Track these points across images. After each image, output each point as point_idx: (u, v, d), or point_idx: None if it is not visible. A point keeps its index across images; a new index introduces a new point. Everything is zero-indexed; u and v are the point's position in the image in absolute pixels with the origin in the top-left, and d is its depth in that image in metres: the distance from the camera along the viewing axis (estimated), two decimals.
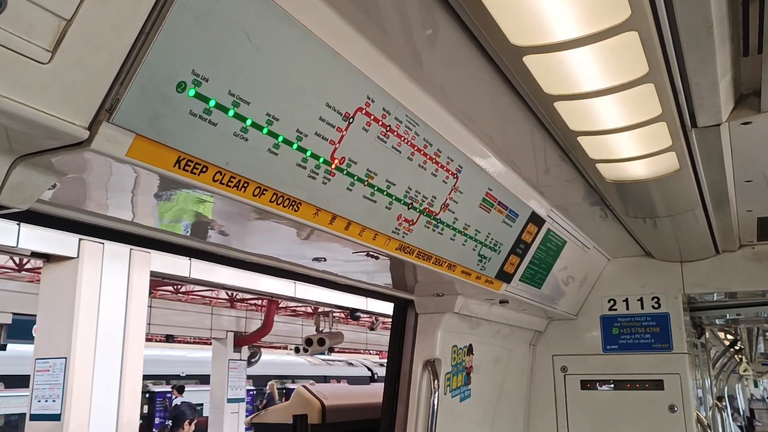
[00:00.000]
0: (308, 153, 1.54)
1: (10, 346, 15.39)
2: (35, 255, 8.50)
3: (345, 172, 1.69)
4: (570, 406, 4.20)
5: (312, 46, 1.41)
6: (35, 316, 9.10)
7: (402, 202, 1.98)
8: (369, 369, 28.17)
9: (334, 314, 17.54)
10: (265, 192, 1.50)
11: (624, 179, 2.55)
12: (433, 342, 3.18)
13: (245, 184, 1.44)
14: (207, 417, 18.68)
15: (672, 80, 1.73)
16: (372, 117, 1.68)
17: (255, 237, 2.15)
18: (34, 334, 9.04)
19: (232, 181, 1.40)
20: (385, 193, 1.88)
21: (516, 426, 4.19)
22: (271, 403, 21.39)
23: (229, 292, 18.87)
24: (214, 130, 1.29)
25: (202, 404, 21.17)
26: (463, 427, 3.48)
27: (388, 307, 3.51)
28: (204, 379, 20.21)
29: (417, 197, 2.03)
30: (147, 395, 20.42)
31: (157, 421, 20.69)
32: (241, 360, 18.65)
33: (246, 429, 17.78)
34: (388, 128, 1.75)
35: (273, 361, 25.73)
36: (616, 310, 4.21)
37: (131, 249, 9.09)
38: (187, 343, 24.75)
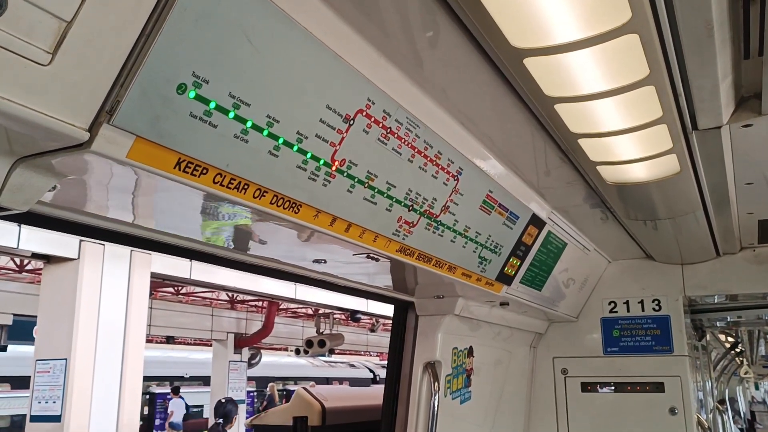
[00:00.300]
0: (309, 155, 1.54)
1: (14, 347, 15.40)
2: (36, 256, 8.51)
3: (345, 174, 1.69)
4: (570, 408, 4.19)
5: (312, 48, 1.41)
6: (36, 317, 9.10)
7: (402, 204, 1.98)
8: (371, 371, 28.18)
9: (335, 316, 17.54)
10: (265, 194, 1.50)
11: (625, 181, 2.55)
12: (434, 344, 3.17)
13: (246, 186, 1.44)
14: (207, 419, 18.68)
15: (673, 83, 1.73)
16: (372, 119, 1.68)
17: (256, 238, 2.15)
18: (34, 335, 9.05)
19: (232, 183, 1.40)
20: (385, 195, 1.88)
21: (516, 428, 4.18)
22: (271, 405, 21.38)
23: (230, 294, 18.88)
24: (214, 131, 1.29)
25: (202, 405, 21.18)
26: (463, 429, 3.47)
27: (388, 309, 3.51)
28: (207, 381, 20.20)
29: (417, 199, 2.03)
30: (147, 396, 20.43)
31: (157, 422, 20.68)
32: (241, 361, 18.65)
33: (246, 431, 17.77)
34: (388, 130, 1.75)
35: (275, 362, 25.77)
36: (616, 312, 4.20)
37: (132, 250, 9.09)
38: (188, 344, 24.77)
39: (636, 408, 4.01)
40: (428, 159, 1.98)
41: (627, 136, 2.07)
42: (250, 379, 23.39)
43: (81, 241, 8.42)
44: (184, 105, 1.20)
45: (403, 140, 1.82)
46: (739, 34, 1.68)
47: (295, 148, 1.50)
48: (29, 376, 8.68)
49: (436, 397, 3.03)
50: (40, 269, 10.99)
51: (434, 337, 3.18)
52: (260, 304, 19.55)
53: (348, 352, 30.68)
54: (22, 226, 7.31)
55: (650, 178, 2.49)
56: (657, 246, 3.81)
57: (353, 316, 15.63)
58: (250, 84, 1.31)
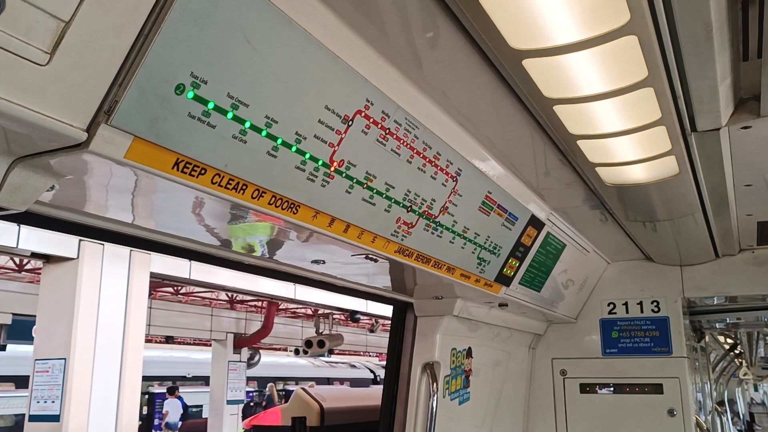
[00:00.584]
0: (307, 155, 1.54)
1: (19, 347, 15.37)
2: (35, 256, 8.51)
3: (344, 174, 1.69)
4: (569, 409, 4.19)
5: (311, 49, 1.41)
6: (35, 316, 9.10)
7: (401, 204, 1.98)
8: (371, 371, 28.22)
9: (334, 316, 17.53)
10: (263, 194, 1.50)
11: (624, 183, 2.55)
12: (433, 345, 3.17)
13: (244, 187, 1.44)
14: (206, 419, 18.67)
15: (671, 84, 1.73)
16: (371, 120, 1.68)
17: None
18: (33, 335, 9.04)
19: (230, 184, 1.40)
20: (384, 195, 1.88)
21: (515, 429, 4.18)
22: (270, 405, 21.38)
23: (229, 294, 18.87)
24: (212, 132, 1.29)
25: (201, 405, 21.17)
26: (462, 430, 3.47)
27: (388, 310, 3.51)
28: (209, 381, 20.19)
29: (416, 200, 2.03)
30: (146, 396, 20.41)
31: (156, 422, 20.66)
32: (240, 361, 18.63)
33: (245, 431, 17.76)
34: (387, 131, 1.75)
35: (277, 362, 25.79)
36: (615, 313, 4.20)
37: (131, 250, 9.09)
38: (189, 344, 24.77)
39: (635, 409, 4.01)
40: (427, 160, 1.98)
41: (626, 137, 2.07)
42: (251, 379, 23.42)
43: (80, 240, 8.42)
44: (182, 105, 1.20)
45: (402, 141, 1.82)
46: (737, 36, 1.68)
47: (294, 148, 1.50)
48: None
49: (435, 397, 3.03)
50: (40, 269, 10.99)
51: (433, 337, 3.18)
52: (259, 304, 19.54)
53: (347, 352, 30.68)
54: (22, 225, 7.31)
55: (649, 180, 2.49)
56: (656, 247, 3.81)
57: (353, 316, 15.63)
58: (248, 84, 1.31)
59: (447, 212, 2.23)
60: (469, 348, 3.50)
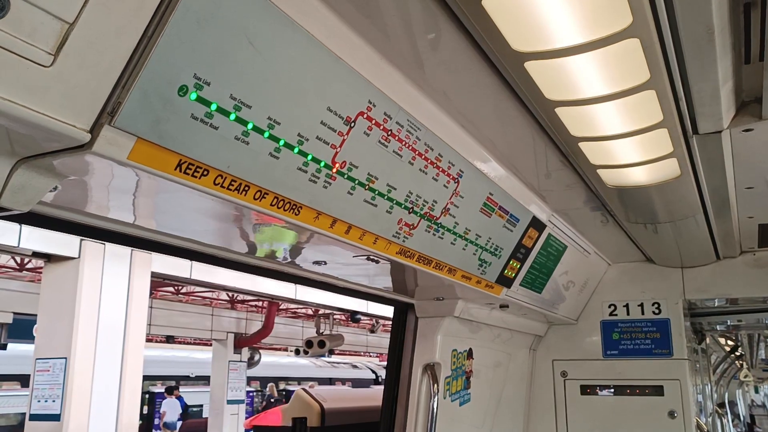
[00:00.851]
0: (309, 157, 1.55)
1: (23, 347, 15.38)
2: (36, 255, 8.52)
3: (346, 176, 1.69)
4: (570, 411, 4.19)
5: (313, 50, 1.41)
6: (36, 315, 9.11)
7: (403, 206, 1.98)
8: (373, 371, 28.27)
9: (335, 316, 17.54)
10: (266, 196, 1.50)
11: (625, 185, 2.55)
12: (433, 346, 3.17)
13: (246, 188, 1.44)
14: (206, 418, 18.68)
15: (673, 87, 1.73)
16: (373, 121, 1.68)
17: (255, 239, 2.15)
18: (34, 334, 9.05)
19: (233, 185, 1.41)
20: (385, 197, 1.88)
21: (515, 430, 4.18)
22: (270, 405, 21.38)
23: (230, 294, 18.88)
24: (215, 133, 1.29)
25: (202, 405, 21.17)
26: (462, 431, 3.47)
27: (388, 310, 3.51)
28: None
29: (418, 201, 2.03)
30: (147, 396, 20.43)
31: (156, 421, 20.67)
32: (241, 361, 18.64)
33: (245, 431, 17.77)
34: (389, 132, 1.75)
35: (280, 362, 25.82)
36: (616, 315, 4.20)
37: (132, 250, 9.10)
38: (192, 344, 24.79)
39: (635, 411, 4.01)
40: (429, 161, 1.98)
41: (628, 139, 2.07)
42: (254, 379, 23.46)
43: (81, 240, 8.43)
44: (185, 107, 1.21)
45: (403, 143, 1.83)
46: (739, 38, 1.68)
47: (296, 150, 1.50)
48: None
49: (436, 398, 3.03)
50: (41, 268, 11.00)
51: (434, 338, 3.18)
52: (260, 304, 19.55)
53: (347, 352, 30.69)
54: (23, 225, 7.31)
55: (651, 182, 2.49)
56: (657, 249, 3.81)
57: (353, 316, 15.63)
58: (251, 86, 1.32)
59: (448, 214, 2.23)
60: (470, 349, 3.50)
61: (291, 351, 24.36)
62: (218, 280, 11.97)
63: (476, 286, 2.75)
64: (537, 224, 2.90)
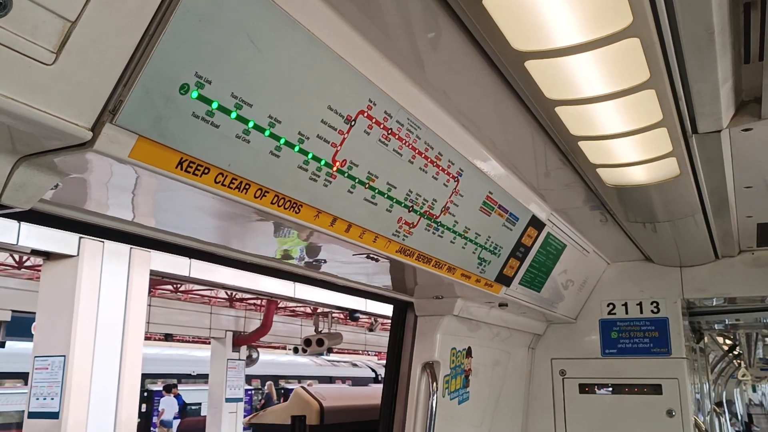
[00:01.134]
0: (310, 155, 1.55)
1: (25, 344, 15.36)
2: (35, 253, 8.51)
3: (346, 174, 1.69)
4: (568, 409, 4.20)
5: (314, 49, 1.42)
6: (34, 313, 9.10)
7: (403, 204, 1.98)
8: (373, 370, 28.34)
9: (333, 315, 17.54)
10: (266, 194, 1.50)
11: (624, 184, 2.56)
12: (432, 344, 3.18)
13: (247, 186, 1.44)
14: (205, 416, 18.68)
15: (673, 86, 1.73)
16: (374, 120, 1.68)
17: (255, 238, 2.16)
18: (33, 332, 9.04)
19: (233, 183, 1.41)
20: (386, 195, 1.89)
21: (514, 429, 4.19)
22: (269, 403, 21.40)
23: (229, 292, 18.87)
24: (216, 132, 1.30)
25: (200, 403, 21.17)
26: (461, 429, 3.48)
27: (387, 309, 3.52)
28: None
29: (418, 200, 2.04)
30: (145, 393, 20.42)
31: (155, 419, 20.68)
32: (239, 360, 18.63)
33: (244, 429, 17.76)
34: (389, 131, 1.76)
35: (280, 361, 25.86)
36: (615, 314, 4.21)
37: (131, 248, 9.09)
38: (193, 342, 24.80)
39: (634, 410, 4.02)
40: (429, 160, 1.98)
41: (627, 139, 2.08)
42: (254, 377, 23.47)
43: (80, 238, 8.42)
44: (186, 105, 1.21)
45: (403, 141, 1.83)
46: (739, 38, 1.68)
47: (297, 148, 1.50)
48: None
49: (435, 397, 3.04)
50: (39, 266, 10.99)
51: (433, 337, 3.19)
52: (259, 302, 19.55)
53: (346, 351, 30.71)
54: (22, 222, 7.31)
55: (650, 181, 2.50)
56: (656, 248, 3.82)
57: (352, 315, 15.63)
58: (252, 84, 1.32)
59: (448, 212, 2.23)
60: (469, 348, 3.50)
61: (289, 349, 24.39)
62: (217, 279, 11.96)
63: (475, 284, 2.75)
64: (536, 223, 2.91)
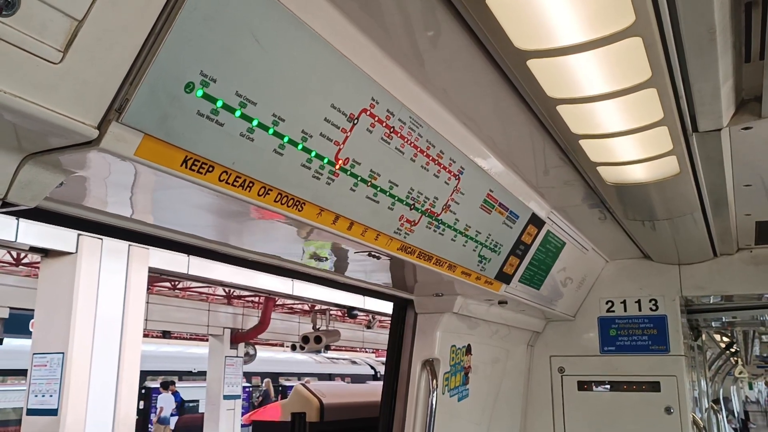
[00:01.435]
0: (313, 153, 1.55)
1: (22, 342, 15.33)
2: (34, 250, 8.49)
3: (349, 172, 1.70)
4: (567, 406, 4.22)
5: (318, 48, 1.42)
6: (32, 310, 9.09)
7: (404, 202, 1.99)
8: (372, 367, 28.43)
9: (331, 312, 17.55)
10: (269, 192, 1.51)
11: (624, 182, 2.57)
12: (432, 342, 3.19)
13: (250, 184, 1.45)
14: (203, 413, 18.68)
15: (674, 85, 1.74)
16: (376, 118, 1.69)
17: (256, 235, 2.17)
18: (31, 329, 9.04)
19: (237, 181, 1.41)
20: (387, 193, 1.89)
21: (513, 426, 4.20)
22: (266, 400, 21.41)
23: (227, 289, 18.87)
24: (220, 130, 1.30)
25: (198, 400, 21.18)
26: (461, 426, 3.49)
27: (385, 306, 3.53)
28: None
29: (419, 198, 2.05)
30: (143, 391, 20.42)
31: (153, 417, 20.67)
32: (237, 357, 18.63)
33: (242, 426, 17.78)
34: (391, 129, 1.76)
35: (280, 358, 25.89)
36: (613, 311, 4.22)
37: (129, 245, 9.08)
38: (195, 339, 24.81)
39: (632, 407, 4.03)
40: (430, 158, 1.99)
41: (628, 137, 2.08)
42: (254, 374, 23.48)
43: (79, 235, 8.41)
44: (191, 103, 1.21)
45: (405, 139, 1.84)
46: (740, 37, 1.69)
47: (300, 146, 1.51)
48: None
49: (435, 394, 3.05)
50: (37, 263, 10.97)
51: (433, 334, 3.20)
52: (257, 299, 19.54)
53: (343, 348, 30.75)
54: (21, 219, 7.30)
55: (650, 179, 2.51)
56: (655, 246, 3.83)
57: (350, 312, 15.65)
58: (256, 83, 1.32)
59: (449, 210, 2.24)
60: (469, 345, 3.51)
61: (287, 347, 24.41)
62: (215, 276, 11.96)
63: (476, 282, 2.76)
64: (536, 221, 2.92)
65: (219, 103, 1.27)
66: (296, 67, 1.39)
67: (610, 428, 4.09)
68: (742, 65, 1.84)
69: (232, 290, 19.05)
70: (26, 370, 8.64)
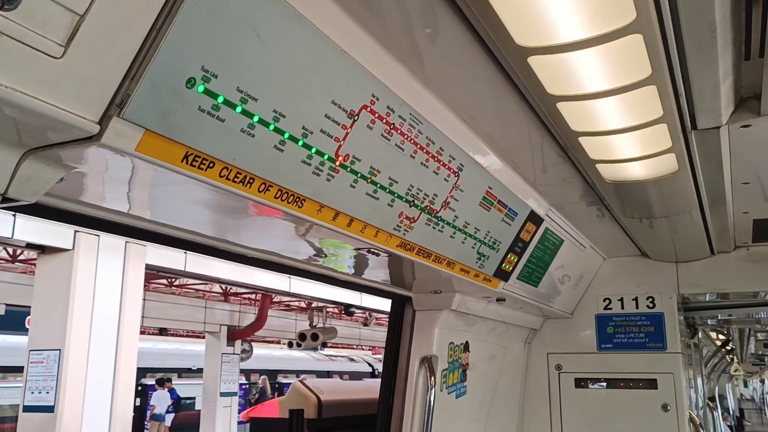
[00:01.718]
0: (313, 150, 1.55)
1: (17, 338, 15.32)
2: (30, 246, 8.48)
3: (349, 169, 1.70)
4: (564, 403, 4.23)
5: (319, 44, 1.42)
6: (28, 307, 9.08)
7: (404, 199, 1.99)
8: (370, 365, 28.51)
9: (328, 309, 17.56)
10: (270, 188, 1.51)
11: (623, 179, 2.57)
12: (430, 339, 3.19)
13: (251, 180, 1.45)
14: (199, 410, 18.68)
15: (674, 82, 1.74)
16: (376, 115, 1.69)
17: (256, 231, 2.16)
18: (27, 326, 9.03)
19: (238, 177, 1.41)
20: (387, 190, 1.89)
21: (510, 423, 4.21)
22: (263, 398, 21.42)
23: (223, 286, 18.85)
24: (221, 126, 1.30)
25: (194, 397, 21.19)
26: (458, 423, 3.50)
27: (381, 303, 3.53)
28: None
29: (419, 195, 2.05)
30: (139, 388, 20.41)
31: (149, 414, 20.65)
32: (234, 354, 18.63)
33: (239, 423, 17.79)
34: (392, 126, 1.76)
35: (279, 356, 25.95)
36: (611, 309, 4.23)
37: (127, 242, 9.08)
38: (180, 336, 24.81)
39: (629, 404, 4.05)
40: (430, 155, 1.99)
41: (627, 134, 2.09)
42: (253, 371, 23.51)
43: (76, 231, 8.40)
44: (192, 99, 1.21)
45: (405, 136, 1.84)
46: (740, 35, 1.69)
47: (300, 143, 1.51)
48: None
49: (432, 391, 3.05)
50: (33, 259, 10.95)
51: (431, 331, 3.20)
52: (253, 296, 19.54)
53: (341, 345, 30.77)
54: (17, 216, 7.28)
55: (648, 177, 2.51)
56: (652, 244, 3.84)
57: (347, 309, 15.66)
58: (258, 79, 1.32)
59: (448, 207, 2.24)
60: (467, 342, 3.52)
61: (284, 344, 24.43)
62: (213, 273, 11.96)
63: (474, 279, 2.76)
64: (535, 218, 2.92)
65: (220, 99, 1.26)
66: (297, 63, 1.39)
67: (607, 425, 4.10)
68: (741, 63, 1.84)
69: (228, 287, 19.03)
70: (22, 366, 8.62)
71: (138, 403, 19.94)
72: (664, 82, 1.71)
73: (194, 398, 21.50)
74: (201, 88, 1.22)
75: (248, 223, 2.02)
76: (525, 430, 4.31)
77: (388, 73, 1.66)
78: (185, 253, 10.44)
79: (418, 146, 1.91)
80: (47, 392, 8.26)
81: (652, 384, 4.01)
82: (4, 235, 7.58)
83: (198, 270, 11.45)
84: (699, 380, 6.38)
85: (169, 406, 19.60)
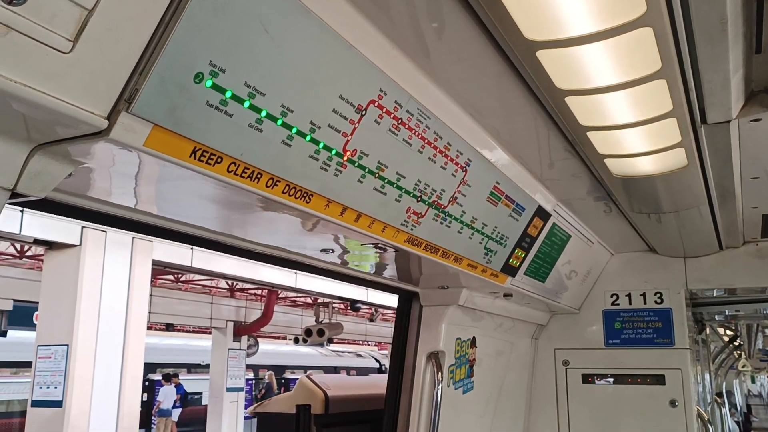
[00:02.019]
0: (321, 145, 1.55)
1: (25, 334, 15.38)
2: (38, 242, 8.51)
3: (356, 164, 1.69)
4: (571, 399, 4.22)
5: (327, 38, 1.41)
6: (36, 303, 9.12)
7: (411, 194, 1.99)
8: (377, 360, 28.60)
9: (334, 305, 17.57)
10: (277, 183, 1.50)
11: (631, 174, 2.56)
12: (437, 334, 3.19)
13: (259, 175, 1.44)
14: (206, 405, 18.74)
15: (684, 76, 1.73)
16: (384, 110, 1.68)
17: (262, 227, 2.16)
18: (35, 321, 9.07)
19: (245, 172, 1.41)
20: (395, 185, 1.89)
21: (517, 418, 4.21)
22: (269, 393, 21.48)
23: (229, 282, 18.89)
24: (229, 121, 1.29)
25: (201, 393, 21.28)
26: (465, 418, 3.50)
27: (388, 299, 3.53)
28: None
29: (426, 190, 2.04)
30: (146, 383, 20.50)
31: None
32: (240, 349, 18.68)
33: (246, 418, 17.84)
34: (399, 121, 1.75)
35: (286, 351, 26.07)
36: (618, 304, 4.22)
37: (133, 237, 9.10)
38: (187, 332, 24.92)
39: (636, 400, 4.03)
40: (438, 150, 1.98)
41: (636, 129, 2.07)
42: (261, 367, 23.63)
43: (83, 227, 8.42)
44: (201, 94, 1.21)
45: (413, 131, 1.83)
46: (751, 28, 1.68)
47: (308, 137, 1.50)
48: None
49: (439, 386, 3.05)
50: (41, 255, 11.00)
51: (438, 327, 3.20)
52: (259, 292, 19.57)
53: (346, 341, 30.83)
54: (24, 211, 7.31)
55: (657, 172, 2.50)
56: (660, 239, 3.82)
57: (353, 305, 15.67)
58: (265, 74, 1.32)
59: (456, 202, 2.23)
60: (473, 338, 3.51)
61: (290, 340, 24.51)
62: (219, 269, 11.98)
63: (481, 274, 2.76)
64: (542, 213, 2.91)
65: (228, 94, 1.26)
66: (305, 57, 1.38)
67: (614, 421, 4.09)
68: (752, 56, 1.82)
69: (235, 283, 19.06)
70: (30, 362, 8.67)
71: (145, 399, 20.05)
72: (674, 76, 1.70)
73: (201, 393, 21.58)
74: (209, 83, 1.21)
75: (255, 219, 2.02)
76: (532, 425, 4.31)
77: (396, 67, 1.65)
78: (191, 249, 10.46)
79: (426, 141, 1.90)
80: (55, 387, 8.30)
81: (659, 380, 4.00)
82: (12, 230, 7.62)
83: (204, 266, 11.47)
84: (707, 376, 6.36)
85: (175, 402, 19.68)
